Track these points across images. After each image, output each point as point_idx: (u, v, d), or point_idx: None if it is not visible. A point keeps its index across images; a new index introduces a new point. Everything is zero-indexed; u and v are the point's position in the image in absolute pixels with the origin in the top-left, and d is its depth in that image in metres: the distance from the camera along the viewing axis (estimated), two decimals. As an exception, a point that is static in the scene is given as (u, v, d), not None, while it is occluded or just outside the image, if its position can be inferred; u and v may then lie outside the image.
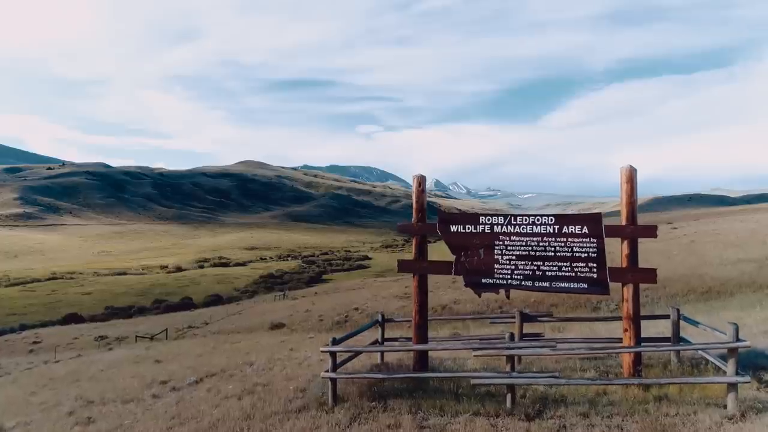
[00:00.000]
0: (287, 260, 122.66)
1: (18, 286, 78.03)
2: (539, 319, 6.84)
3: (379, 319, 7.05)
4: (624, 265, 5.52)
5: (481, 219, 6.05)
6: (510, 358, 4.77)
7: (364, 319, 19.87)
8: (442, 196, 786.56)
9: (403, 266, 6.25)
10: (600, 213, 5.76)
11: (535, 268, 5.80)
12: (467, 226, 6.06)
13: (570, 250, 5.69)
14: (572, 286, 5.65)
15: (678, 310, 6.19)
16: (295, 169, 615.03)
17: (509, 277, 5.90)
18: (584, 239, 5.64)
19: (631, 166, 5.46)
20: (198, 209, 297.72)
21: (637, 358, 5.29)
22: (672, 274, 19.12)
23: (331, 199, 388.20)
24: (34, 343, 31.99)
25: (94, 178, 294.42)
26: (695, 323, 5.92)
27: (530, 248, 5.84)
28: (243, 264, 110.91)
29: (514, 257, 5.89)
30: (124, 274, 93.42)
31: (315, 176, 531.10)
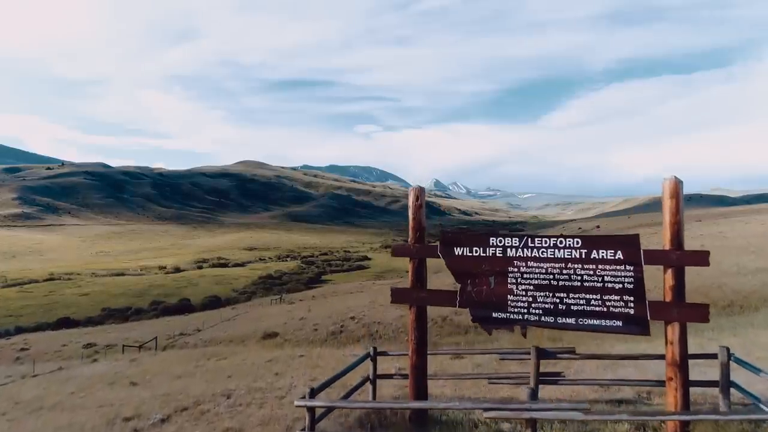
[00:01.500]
0: (286, 261, 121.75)
1: (15, 287, 77.31)
2: (559, 356, 5.82)
3: (371, 352, 6.07)
4: (668, 299, 4.50)
5: (492, 240, 5.01)
6: (530, 422, 3.79)
7: (360, 330, 18.90)
8: (441, 196, 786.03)
9: (398, 296, 5.23)
10: (637, 235, 4.72)
11: (558, 300, 4.77)
12: (475, 249, 5.03)
13: (600, 279, 4.67)
14: (604, 323, 4.63)
15: (728, 350, 5.17)
16: (294, 169, 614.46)
17: (526, 311, 4.86)
18: (618, 267, 4.61)
19: (675, 178, 4.45)
20: (197, 209, 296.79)
21: (687, 424, 4.27)
22: (689, 285, 18.12)
23: (331, 199, 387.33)
24: (22, 350, 31.07)
25: (93, 178, 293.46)
26: (756, 370, 4.85)
27: (552, 276, 4.81)
28: (242, 265, 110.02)
29: (531, 287, 4.86)
30: (122, 274, 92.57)
31: (314, 176, 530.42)
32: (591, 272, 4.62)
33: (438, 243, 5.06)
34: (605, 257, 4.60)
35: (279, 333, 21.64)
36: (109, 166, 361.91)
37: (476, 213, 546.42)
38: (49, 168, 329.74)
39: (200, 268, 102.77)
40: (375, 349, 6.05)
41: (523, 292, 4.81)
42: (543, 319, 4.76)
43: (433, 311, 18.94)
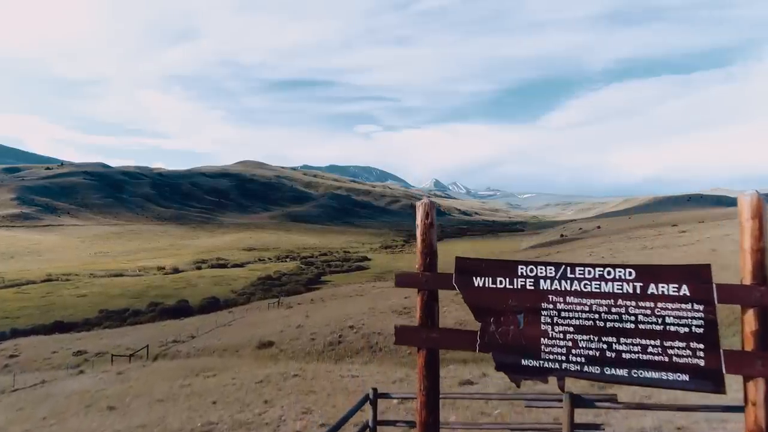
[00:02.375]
0: (286, 261, 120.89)
1: (13, 288, 76.58)
2: (598, 404, 4.84)
3: (370, 395, 5.11)
4: (749, 348, 3.52)
5: (521, 269, 4.01)
6: None
7: (359, 341, 17.91)
8: (441, 196, 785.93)
9: (404, 336, 4.25)
10: (708, 266, 3.72)
11: (605, 346, 3.78)
12: (499, 279, 4.04)
13: (660, 320, 3.68)
14: (665, 377, 3.63)
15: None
16: (294, 169, 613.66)
17: (564, 358, 3.87)
18: (683, 305, 3.63)
19: (758, 194, 3.49)
20: (197, 209, 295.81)
21: None
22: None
23: (331, 199, 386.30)
24: (12, 356, 30.16)
25: (93, 178, 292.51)
26: None
27: (597, 316, 3.83)
28: (241, 265, 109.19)
29: (571, 329, 3.87)
30: (121, 275, 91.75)
31: (314, 176, 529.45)
32: (648, 311, 3.65)
33: (453, 272, 4.08)
34: (666, 293, 3.64)
35: (275, 342, 20.63)
36: (108, 166, 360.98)
37: (476, 213, 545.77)
38: (48, 168, 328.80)
39: (199, 268, 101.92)
40: (375, 390, 5.10)
41: (561, 335, 3.84)
42: (586, 369, 3.79)
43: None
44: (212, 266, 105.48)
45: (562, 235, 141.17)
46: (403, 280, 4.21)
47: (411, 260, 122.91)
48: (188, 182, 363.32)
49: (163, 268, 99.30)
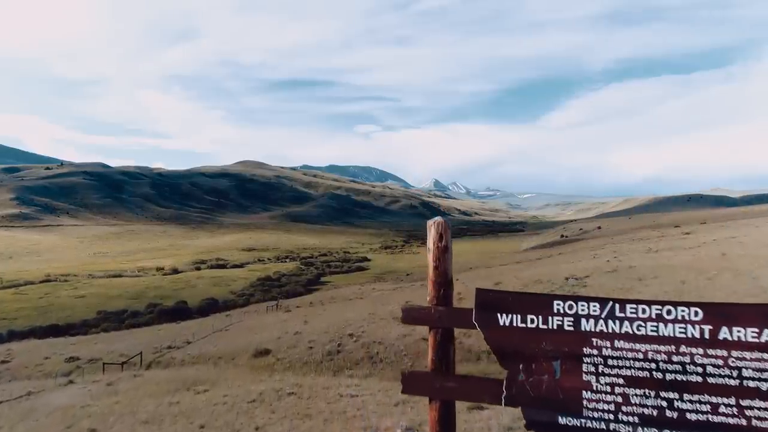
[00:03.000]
0: (285, 262, 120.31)
1: (11, 289, 76.08)
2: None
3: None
4: None
5: (557, 305, 3.25)
6: None
7: (358, 351, 17.19)
8: (441, 197, 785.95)
9: (413, 384, 3.50)
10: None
11: (665, 404, 3.03)
12: (530, 317, 3.28)
13: (736, 373, 2.93)
14: (742, 444, 2.89)
15: None
16: (294, 169, 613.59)
17: (612, 416, 3.12)
18: (765, 354, 2.89)
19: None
20: (196, 210, 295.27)
21: None
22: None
23: (331, 199, 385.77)
24: (3, 362, 29.52)
25: (92, 178, 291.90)
26: None
27: (655, 366, 3.07)
28: (240, 266, 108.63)
29: (621, 381, 3.12)
30: (120, 276, 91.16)
31: (314, 176, 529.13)
32: (720, 362, 2.90)
33: (474, 307, 3.34)
34: (743, 338, 2.90)
35: (271, 350, 19.92)
36: (108, 166, 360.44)
37: (476, 213, 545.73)
38: (48, 168, 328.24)
39: (198, 269, 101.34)
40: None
41: (608, 388, 3.09)
42: (641, 430, 3.05)
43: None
44: (211, 267, 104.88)
45: (562, 236, 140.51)
46: (412, 316, 3.46)
47: (411, 261, 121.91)
48: (188, 182, 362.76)
49: (162, 269, 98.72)
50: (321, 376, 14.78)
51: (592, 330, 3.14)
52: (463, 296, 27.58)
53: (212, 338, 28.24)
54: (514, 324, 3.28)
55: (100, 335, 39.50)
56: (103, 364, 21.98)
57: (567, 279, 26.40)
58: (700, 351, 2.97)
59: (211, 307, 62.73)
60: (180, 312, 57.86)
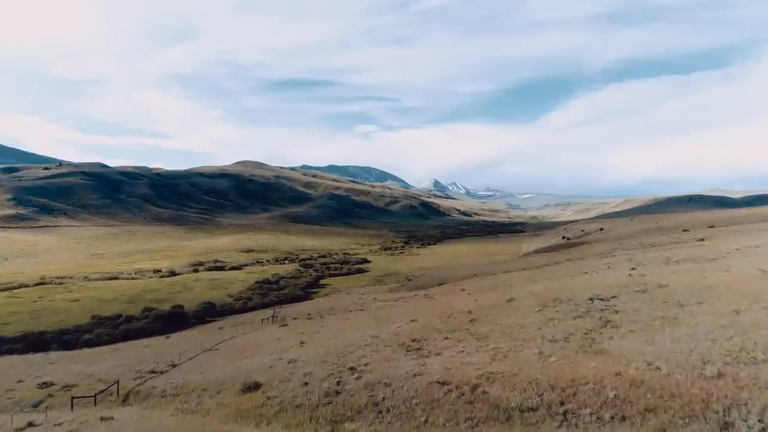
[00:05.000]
0: (284, 263, 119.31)
1: (5, 292, 74.80)
2: None
3: None
4: None
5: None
6: None
7: (360, 393, 15.31)
8: (441, 197, 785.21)
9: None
10: None
11: None
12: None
13: None
14: None
15: None
16: (293, 169, 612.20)
17: None
18: None
19: None
20: (195, 210, 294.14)
21: None
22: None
23: (330, 199, 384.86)
24: (-27, 384, 27.85)
25: (90, 179, 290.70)
26: None
27: None
28: (239, 268, 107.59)
29: None
30: (116, 278, 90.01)
31: (314, 176, 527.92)
32: None
33: None
34: None
35: (262, 384, 18.27)
36: (107, 166, 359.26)
37: (476, 213, 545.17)
38: (46, 168, 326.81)
39: (196, 271, 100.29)
40: None
41: None
42: None
43: (456, 375, 15.01)
44: (209, 269, 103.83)
45: (565, 238, 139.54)
46: None
47: (411, 262, 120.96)
48: (187, 182, 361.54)
49: (160, 271, 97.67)
50: (317, 429, 13.58)
51: None
52: (475, 317, 25.30)
53: (199, 360, 26.95)
54: None
55: (84, 351, 38.05)
56: (72, 398, 20.59)
57: (592, 300, 23.32)
58: None
59: (207, 311, 61.56)
60: (175, 317, 56.63)
